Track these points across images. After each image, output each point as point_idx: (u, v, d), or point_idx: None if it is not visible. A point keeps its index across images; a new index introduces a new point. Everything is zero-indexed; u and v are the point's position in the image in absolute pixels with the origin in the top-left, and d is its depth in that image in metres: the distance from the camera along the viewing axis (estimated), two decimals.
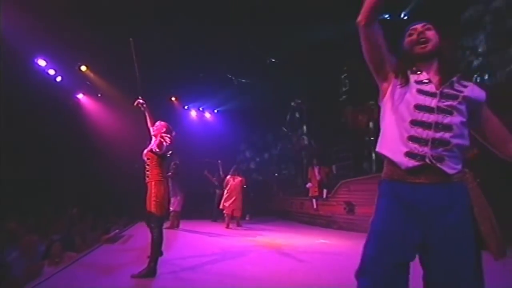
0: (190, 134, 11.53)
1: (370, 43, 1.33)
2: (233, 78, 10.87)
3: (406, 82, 1.29)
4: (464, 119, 1.25)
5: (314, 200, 8.08)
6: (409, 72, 1.31)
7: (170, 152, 4.06)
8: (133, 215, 6.91)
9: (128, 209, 7.82)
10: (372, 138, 7.97)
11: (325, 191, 7.77)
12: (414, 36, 1.32)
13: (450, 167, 1.21)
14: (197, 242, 5.10)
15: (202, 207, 10.12)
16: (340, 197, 7.51)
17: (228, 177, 7.55)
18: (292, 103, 11.31)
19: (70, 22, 6.75)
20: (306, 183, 8.26)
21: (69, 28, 6.94)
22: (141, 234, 4.06)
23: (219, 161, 8.74)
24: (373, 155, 7.88)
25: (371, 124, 8.02)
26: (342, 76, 8.88)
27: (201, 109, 12.98)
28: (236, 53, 9.50)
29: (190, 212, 8.39)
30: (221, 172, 8.47)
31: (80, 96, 10.24)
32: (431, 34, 1.32)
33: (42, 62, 8.39)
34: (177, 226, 6.54)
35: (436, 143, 1.21)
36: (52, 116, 8.57)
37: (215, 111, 13.15)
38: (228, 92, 11.52)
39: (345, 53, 8.37)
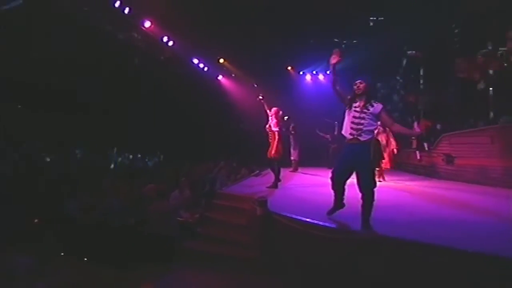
0: (306, 96, 14.39)
1: (337, 93, 3.64)
2: (341, 41, 12.56)
3: (349, 107, 3.59)
4: (370, 121, 3.46)
5: (417, 152, 9.42)
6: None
7: (287, 117, 7.16)
8: (261, 163, 10.62)
9: (257, 158, 11.74)
10: (483, 88, 8.28)
11: (425, 144, 8.98)
12: (355, 87, 3.55)
13: (363, 138, 3.47)
14: (306, 178, 8.29)
15: (320, 157, 13.18)
16: (440, 149, 8.60)
17: None
18: (409, 52, 11.83)
19: (210, 33, 10.57)
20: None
21: (210, 38, 10.83)
22: (269, 173, 7.38)
23: (336, 122, 10.94)
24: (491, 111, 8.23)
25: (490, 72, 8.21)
26: (453, 25, 9.05)
27: (314, 72, 15.24)
28: (342, 15, 11.17)
29: (310, 161, 11.57)
30: (336, 132, 10.77)
31: (220, 77, 14.96)
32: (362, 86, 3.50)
33: (195, 60, 13.10)
34: (296, 169, 9.69)
35: (357, 130, 3.49)
36: (203, 92, 13.43)
37: (328, 72, 15.11)
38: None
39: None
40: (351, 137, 3.56)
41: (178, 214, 5.25)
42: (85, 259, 4.47)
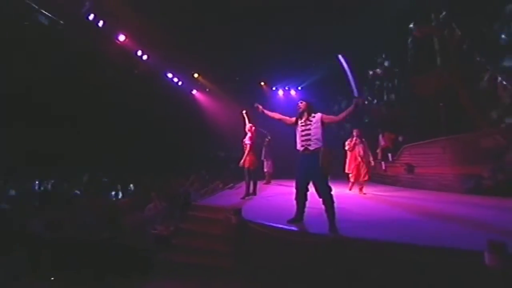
0: (279, 111, 14.80)
1: (282, 121, 4.28)
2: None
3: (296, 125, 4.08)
4: (316, 130, 3.95)
5: (383, 162, 10.08)
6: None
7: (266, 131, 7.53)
8: (236, 175, 10.81)
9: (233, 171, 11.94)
10: (441, 104, 9.11)
11: (389, 155, 9.66)
12: (297, 107, 4.10)
13: (312, 147, 3.93)
14: (279, 188, 8.53)
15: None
16: (402, 160, 9.30)
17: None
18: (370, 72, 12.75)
19: (184, 49, 10.84)
20: (377, 149, 10.26)
21: (184, 53, 11.09)
22: (242, 186, 7.59)
23: None
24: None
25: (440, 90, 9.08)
26: (409, 41, 9.97)
27: (286, 88, 15.89)
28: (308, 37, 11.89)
29: (283, 174, 11.96)
30: None
31: (194, 92, 15.19)
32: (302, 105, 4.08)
33: (170, 75, 13.24)
34: (270, 182, 9.96)
35: (306, 141, 3.97)
36: (178, 106, 13.70)
37: (299, 88, 15.83)
38: (308, 70, 14.06)
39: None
40: (302, 148, 4.07)
41: (153, 227, 5.30)
42: (52, 278, 4.38)
